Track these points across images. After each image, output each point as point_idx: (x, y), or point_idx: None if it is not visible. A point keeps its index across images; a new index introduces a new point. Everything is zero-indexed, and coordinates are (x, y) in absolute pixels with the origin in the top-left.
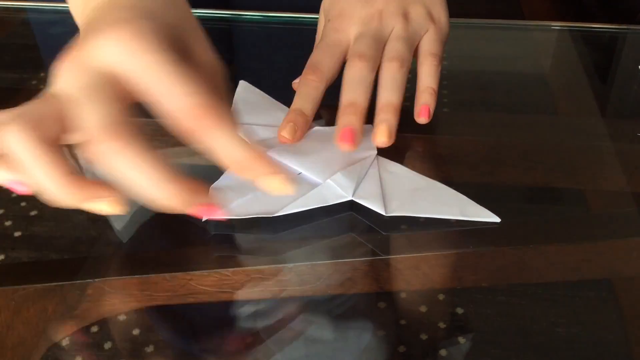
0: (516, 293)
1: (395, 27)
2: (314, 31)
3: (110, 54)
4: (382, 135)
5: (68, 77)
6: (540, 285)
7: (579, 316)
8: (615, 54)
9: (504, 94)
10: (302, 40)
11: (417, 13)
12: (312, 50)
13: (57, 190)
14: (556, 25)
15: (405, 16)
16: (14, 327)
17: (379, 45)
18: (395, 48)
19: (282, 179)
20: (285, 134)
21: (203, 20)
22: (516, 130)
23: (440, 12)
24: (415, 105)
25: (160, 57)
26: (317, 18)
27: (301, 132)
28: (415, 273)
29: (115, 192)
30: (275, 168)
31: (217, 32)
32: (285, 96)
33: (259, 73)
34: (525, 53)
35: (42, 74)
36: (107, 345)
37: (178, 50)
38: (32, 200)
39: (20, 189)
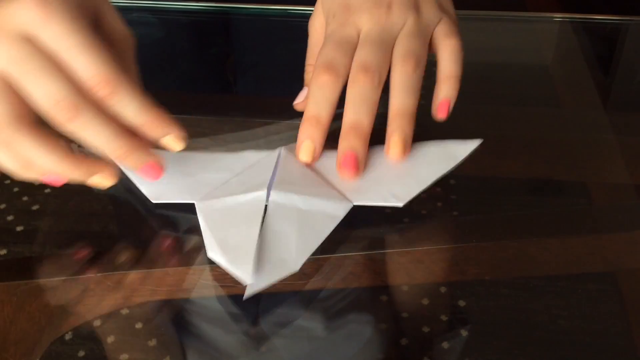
0: (518, 286)
1: (407, 21)
2: None
3: (23, 22)
4: (396, 146)
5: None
6: (542, 278)
7: (581, 309)
8: (617, 45)
9: (505, 86)
10: (303, 33)
11: (428, 4)
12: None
13: (61, 169)
14: (558, 16)
15: (417, 8)
16: (17, 322)
17: (388, 46)
18: (408, 45)
19: (175, 137)
20: (304, 157)
21: (201, 13)
22: (518, 123)
23: (449, 4)
24: (434, 98)
25: (69, 26)
26: None
27: (320, 146)
28: (417, 267)
29: (107, 166)
30: (172, 127)
31: (216, 25)
32: (284, 90)
33: (258, 66)
34: (527, 45)
35: None
36: (110, 340)
37: (89, 17)
38: (34, 195)
39: (52, 178)
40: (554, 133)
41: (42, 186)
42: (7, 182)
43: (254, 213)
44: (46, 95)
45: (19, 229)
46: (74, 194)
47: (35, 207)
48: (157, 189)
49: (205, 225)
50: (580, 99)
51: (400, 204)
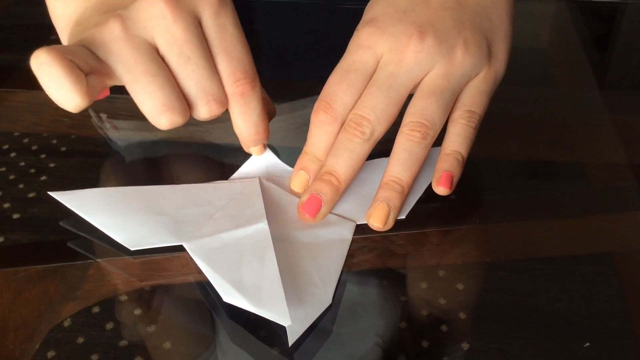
0: (516, 268)
1: (434, 67)
2: (335, 8)
3: (202, 4)
4: (377, 218)
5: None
6: (540, 260)
7: (579, 290)
8: (614, 26)
9: None
10: (327, 16)
11: (473, 47)
12: (336, 30)
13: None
14: None
15: (453, 51)
16: (16, 309)
17: (400, 94)
18: (423, 108)
19: (264, 146)
20: (296, 186)
21: None
22: (515, 104)
23: (501, 47)
24: (435, 169)
25: (233, 20)
26: None
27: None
28: (415, 249)
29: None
30: (267, 136)
31: (239, 10)
32: (307, 73)
33: (282, 51)
34: (523, 26)
35: None
36: (109, 326)
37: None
38: (30, 182)
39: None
40: (550, 115)
41: (38, 174)
42: (3, 169)
43: (262, 247)
44: (189, 77)
45: (15, 216)
46: (71, 181)
47: (31, 195)
48: (132, 235)
49: (207, 268)
50: (577, 80)
51: (403, 216)
